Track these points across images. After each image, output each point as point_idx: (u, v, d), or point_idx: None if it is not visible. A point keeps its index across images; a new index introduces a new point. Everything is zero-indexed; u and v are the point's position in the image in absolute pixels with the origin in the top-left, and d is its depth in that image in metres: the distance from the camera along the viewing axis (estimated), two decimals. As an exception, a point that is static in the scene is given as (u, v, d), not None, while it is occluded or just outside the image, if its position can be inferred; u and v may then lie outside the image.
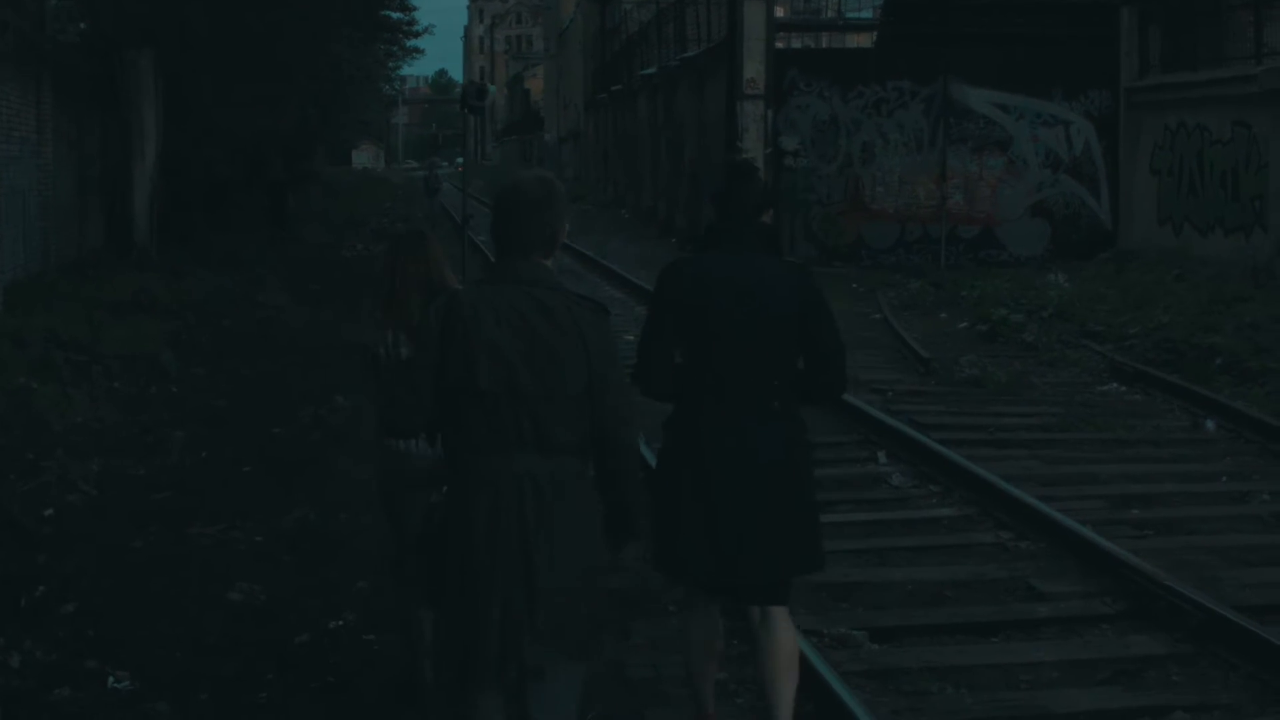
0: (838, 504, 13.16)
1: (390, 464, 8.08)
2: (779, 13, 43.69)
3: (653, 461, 7.62)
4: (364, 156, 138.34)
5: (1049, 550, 11.44)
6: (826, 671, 8.42)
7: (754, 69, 34.82)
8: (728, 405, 7.18)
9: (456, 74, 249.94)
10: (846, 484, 13.95)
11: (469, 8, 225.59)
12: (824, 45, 63.33)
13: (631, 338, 20.44)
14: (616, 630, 6.61)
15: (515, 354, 5.83)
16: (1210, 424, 16.34)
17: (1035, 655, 9.29)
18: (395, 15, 59.70)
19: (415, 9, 59.09)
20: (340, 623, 9.78)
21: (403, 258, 8.42)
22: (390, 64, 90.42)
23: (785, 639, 7.47)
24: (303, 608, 10.08)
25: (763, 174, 7.77)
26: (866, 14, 49.68)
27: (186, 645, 9.35)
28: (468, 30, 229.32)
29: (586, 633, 5.98)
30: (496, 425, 5.84)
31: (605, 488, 6.09)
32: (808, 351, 7.34)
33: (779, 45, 39.84)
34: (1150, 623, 9.73)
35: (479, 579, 5.84)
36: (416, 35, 67.80)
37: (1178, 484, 13.85)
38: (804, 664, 8.09)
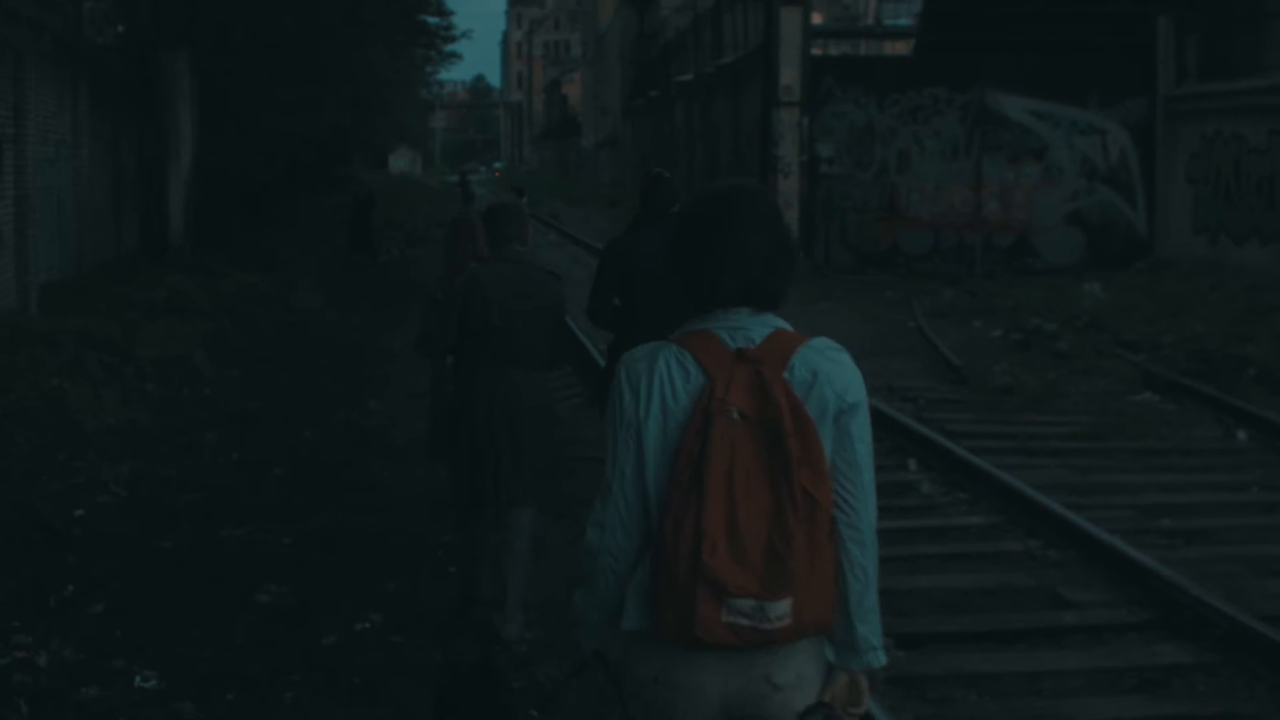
0: (866, 511, 13.16)
1: (438, 372, 10.87)
2: (816, 19, 43.64)
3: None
4: (401, 161, 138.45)
5: (1077, 559, 11.41)
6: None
7: (790, 76, 34.79)
8: (650, 333, 8.99)
9: (494, 79, 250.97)
10: (876, 491, 13.90)
11: (507, 13, 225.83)
12: (861, 52, 63.28)
13: None
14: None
15: (508, 307, 9.18)
16: (1242, 434, 16.28)
17: (1061, 663, 9.27)
18: (432, 20, 59.82)
19: (453, 14, 59.29)
20: (367, 625, 9.81)
21: (459, 233, 12.92)
22: (428, 69, 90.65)
23: None
24: (330, 609, 10.12)
25: (669, 185, 11.19)
26: (903, 21, 49.60)
27: (214, 645, 9.40)
28: (506, 35, 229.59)
29: (546, 485, 9.48)
30: (497, 350, 9.26)
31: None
32: None
33: (816, 52, 39.79)
34: (1177, 632, 9.70)
35: (482, 443, 9.26)
36: (454, 40, 67.99)
37: (1208, 494, 13.81)
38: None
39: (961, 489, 13.74)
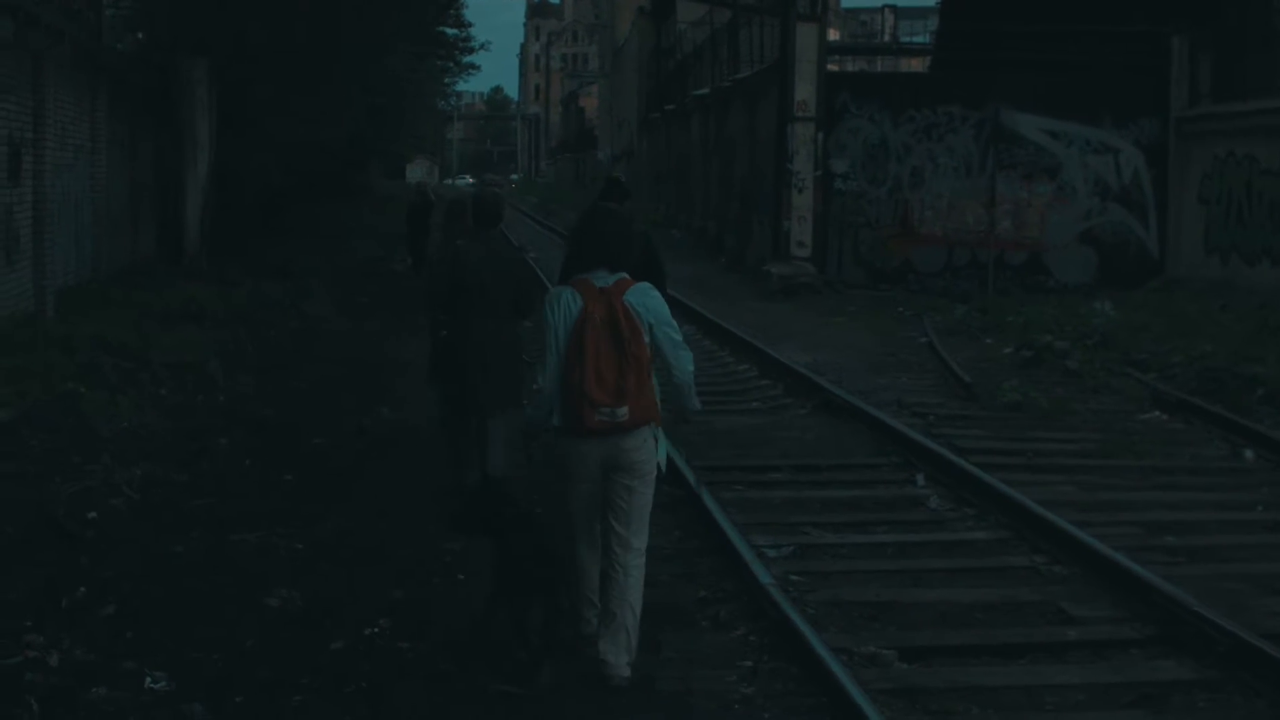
0: (874, 525, 13.23)
1: (434, 320, 13.80)
2: (833, 36, 43.67)
3: None
4: (418, 171, 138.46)
5: (1082, 575, 11.47)
6: (853, 688, 8.49)
7: (805, 91, 34.89)
8: None
9: (512, 91, 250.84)
10: (884, 505, 14.01)
11: (525, 25, 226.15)
12: (879, 69, 63.26)
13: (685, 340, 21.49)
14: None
15: (484, 272, 12.69)
16: (1249, 453, 16.34)
17: (1062, 678, 9.33)
18: (451, 32, 60.01)
19: (471, 26, 59.29)
20: (375, 630, 9.89)
21: (453, 216, 14.95)
22: (446, 79, 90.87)
23: None
24: (339, 614, 10.21)
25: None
26: (919, 39, 49.65)
27: (224, 648, 9.48)
28: (524, 47, 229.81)
29: (507, 400, 12.58)
30: (474, 304, 12.62)
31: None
32: (649, 269, 12.14)
33: (832, 68, 39.83)
34: (1178, 648, 9.75)
35: (467, 372, 12.70)
36: (472, 51, 68.26)
37: (1213, 512, 13.85)
38: (832, 682, 8.75)
39: (969, 504, 13.80)
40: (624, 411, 8.77)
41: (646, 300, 8.98)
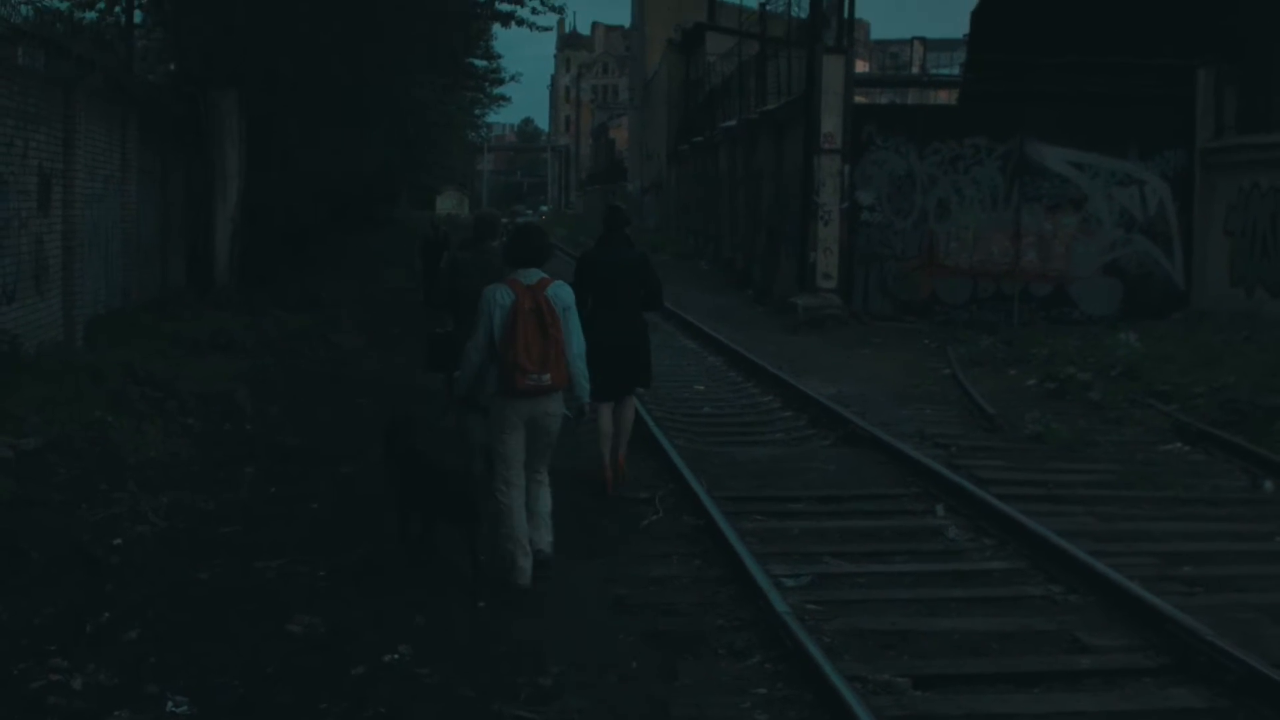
0: (892, 555, 13.31)
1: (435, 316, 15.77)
2: (861, 68, 43.71)
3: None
4: (448, 202, 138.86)
5: (1097, 604, 11.55)
6: (864, 715, 8.58)
7: (832, 123, 34.93)
8: (613, 315, 15.48)
9: (543, 123, 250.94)
10: (903, 535, 14.08)
11: (556, 57, 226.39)
12: (909, 101, 63.29)
13: (701, 387, 21.18)
14: None
15: (477, 278, 13.27)
16: (1268, 484, 16.38)
17: (1075, 705, 9.40)
18: (480, 63, 60.16)
19: (501, 57, 59.38)
20: (395, 656, 10.00)
21: (466, 243, 15.90)
22: (476, 111, 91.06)
23: (629, 410, 16.16)
24: (360, 641, 10.32)
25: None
26: (945, 71, 49.70)
27: (245, 673, 9.60)
28: (554, 79, 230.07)
29: None
30: (470, 305, 12.53)
31: None
32: (645, 289, 15.80)
33: (860, 100, 39.84)
34: (1191, 677, 9.82)
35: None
36: (502, 83, 68.36)
37: (1231, 543, 13.91)
38: (844, 709, 8.80)
39: (987, 534, 13.88)
40: (547, 377, 11.58)
41: (560, 293, 11.85)
